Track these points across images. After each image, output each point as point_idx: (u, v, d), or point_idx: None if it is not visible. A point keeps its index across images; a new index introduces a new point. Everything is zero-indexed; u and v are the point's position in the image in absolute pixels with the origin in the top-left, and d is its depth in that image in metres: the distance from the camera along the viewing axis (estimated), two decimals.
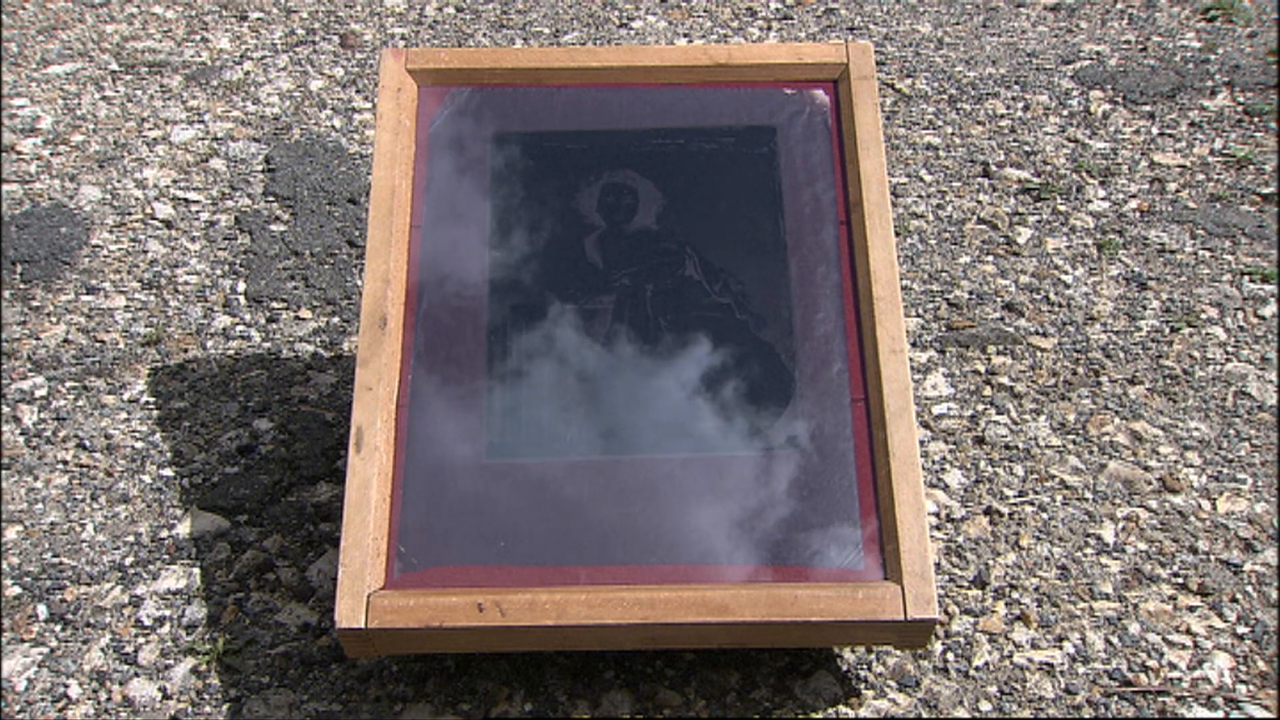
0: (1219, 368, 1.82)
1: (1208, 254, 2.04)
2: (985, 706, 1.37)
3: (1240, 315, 1.91)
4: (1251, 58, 2.59)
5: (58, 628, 1.48)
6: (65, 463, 1.69)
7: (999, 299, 1.95)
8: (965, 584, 1.51)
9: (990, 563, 1.53)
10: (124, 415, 1.77)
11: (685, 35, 2.74)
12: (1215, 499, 1.61)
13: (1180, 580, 1.51)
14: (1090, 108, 2.43)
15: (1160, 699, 1.37)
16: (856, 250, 1.47)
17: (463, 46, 2.62)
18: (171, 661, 1.43)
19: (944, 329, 1.89)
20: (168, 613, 1.49)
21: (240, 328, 1.92)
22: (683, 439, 1.39)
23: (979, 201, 2.17)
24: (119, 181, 2.26)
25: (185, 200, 2.21)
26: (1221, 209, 2.14)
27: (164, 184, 2.25)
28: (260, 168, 2.30)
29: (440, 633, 1.28)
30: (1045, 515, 1.59)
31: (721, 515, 1.34)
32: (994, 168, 2.25)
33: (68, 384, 1.82)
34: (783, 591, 1.28)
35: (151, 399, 1.79)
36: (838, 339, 1.43)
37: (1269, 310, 1.92)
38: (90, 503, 1.63)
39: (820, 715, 1.36)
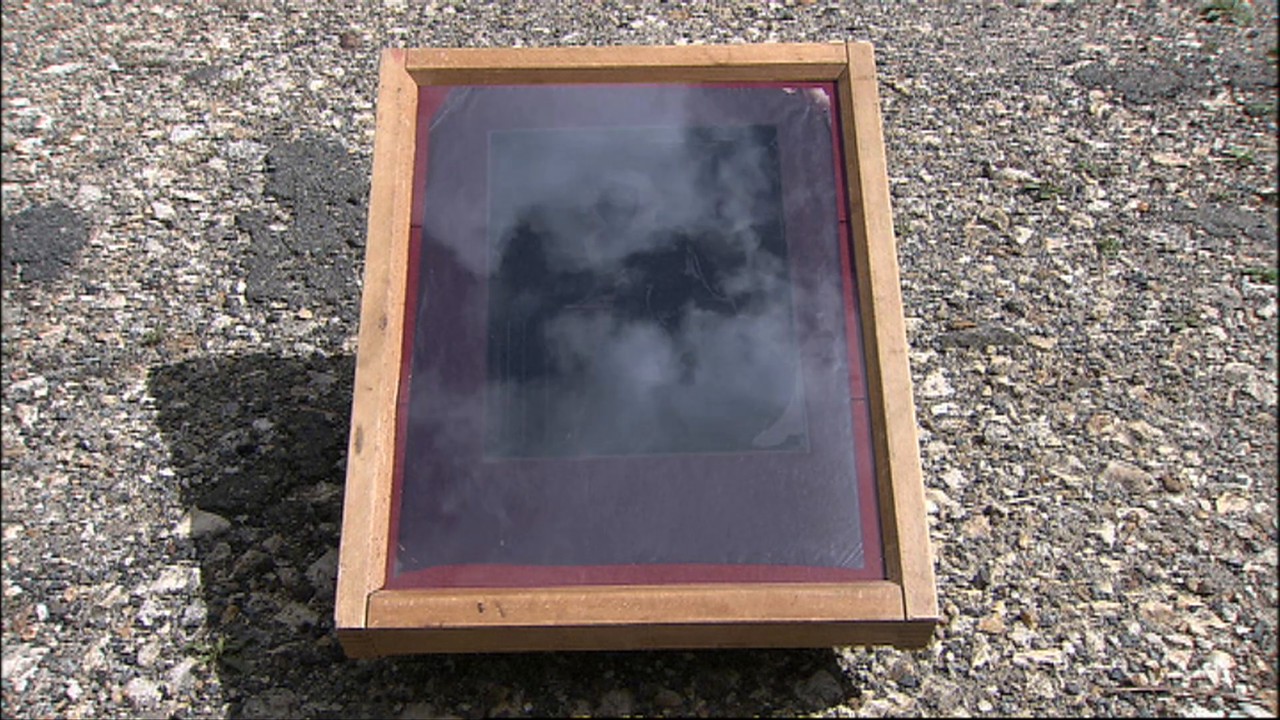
0: (1219, 368, 1.82)
1: (1208, 254, 2.04)
2: (985, 706, 1.37)
3: (1240, 315, 1.91)
4: (1251, 58, 2.59)
5: (58, 628, 1.48)
6: (65, 463, 1.69)
7: (999, 299, 1.95)
8: (965, 584, 1.51)
9: (990, 563, 1.53)
10: (124, 415, 1.77)
11: (685, 35, 2.74)
12: (1215, 499, 1.61)
13: (1180, 580, 1.51)
14: (1090, 108, 2.43)
15: (1160, 699, 1.37)
16: (856, 250, 1.47)
17: (463, 46, 2.62)
18: (171, 661, 1.43)
19: (944, 329, 1.89)
20: (168, 613, 1.49)
21: (240, 328, 1.92)
22: (683, 438, 1.39)
23: (979, 201, 2.17)
24: (119, 181, 2.26)
25: (185, 200, 2.21)
26: (1221, 209, 2.14)
27: (164, 184, 2.25)
28: (260, 168, 2.30)
29: (440, 633, 1.28)
30: (1045, 515, 1.59)
31: (721, 515, 1.34)
32: (994, 168, 2.25)
33: (68, 384, 1.82)
34: (783, 591, 1.28)
35: (151, 399, 1.79)
36: (838, 339, 1.43)
37: (1269, 310, 1.92)
38: (90, 503, 1.63)
39: (820, 715, 1.36)
